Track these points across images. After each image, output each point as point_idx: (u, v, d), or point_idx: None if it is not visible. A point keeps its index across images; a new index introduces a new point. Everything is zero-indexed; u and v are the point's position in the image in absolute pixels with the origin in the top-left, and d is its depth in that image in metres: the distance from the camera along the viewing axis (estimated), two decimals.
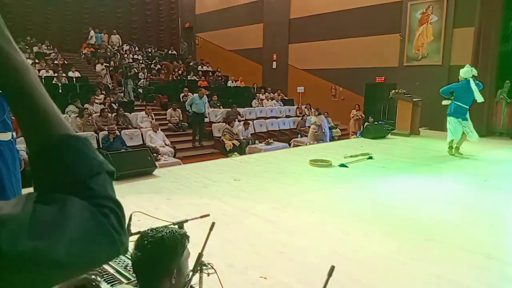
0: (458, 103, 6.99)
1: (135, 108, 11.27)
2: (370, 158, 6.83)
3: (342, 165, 6.22)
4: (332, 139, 11.36)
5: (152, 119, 10.06)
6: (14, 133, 2.82)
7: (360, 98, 13.50)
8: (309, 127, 12.24)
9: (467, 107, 7.00)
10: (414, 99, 9.72)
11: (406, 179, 5.58)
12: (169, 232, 1.33)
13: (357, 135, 10.21)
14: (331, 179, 5.59)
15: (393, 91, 10.12)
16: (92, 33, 17.28)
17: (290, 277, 2.75)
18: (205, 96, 10.95)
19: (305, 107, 13.80)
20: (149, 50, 18.83)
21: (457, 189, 5.16)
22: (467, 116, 7.03)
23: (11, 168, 2.61)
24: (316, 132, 10.24)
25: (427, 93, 10.08)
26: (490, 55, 9.59)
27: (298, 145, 9.60)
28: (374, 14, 12.86)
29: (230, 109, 11.95)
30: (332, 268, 1.46)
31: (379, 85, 12.95)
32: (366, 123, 11.10)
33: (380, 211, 4.18)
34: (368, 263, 2.98)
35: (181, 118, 11.29)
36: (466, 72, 6.97)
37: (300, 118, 12.66)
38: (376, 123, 10.67)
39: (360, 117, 12.72)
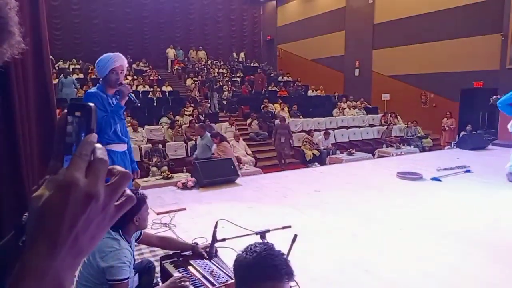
0: None
1: (219, 119, 11.82)
2: (468, 171, 6.16)
3: (435, 179, 5.71)
4: (422, 149, 10.55)
5: (235, 129, 10.43)
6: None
7: (455, 105, 12.35)
8: (395, 136, 11.57)
9: None
10: None
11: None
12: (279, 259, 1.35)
13: (452, 145, 9.32)
14: (423, 193, 5.16)
15: (494, 97, 9.05)
16: (168, 50, 18.76)
17: None
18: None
19: (391, 115, 13.07)
20: (233, 64, 19.70)
21: None
22: None
23: None
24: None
25: None
26: None
27: (383, 156, 9.09)
28: (469, 13, 11.75)
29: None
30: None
31: (477, 91, 11.71)
32: (463, 132, 10.10)
33: (482, 231, 3.72)
34: None
35: (262, 129, 11.53)
36: None
37: (386, 127, 12.02)
38: (474, 132, 9.65)
39: (451, 126, 11.64)
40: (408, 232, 3.76)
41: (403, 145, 10.49)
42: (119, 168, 0.45)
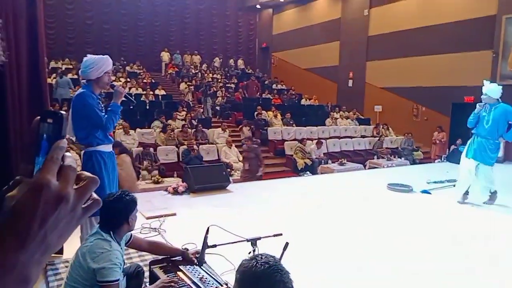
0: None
1: (212, 124, 11.79)
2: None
3: (425, 192, 5.77)
4: (413, 162, 10.65)
5: (228, 135, 10.41)
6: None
7: (446, 119, 12.52)
8: (387, 148, 11.67)
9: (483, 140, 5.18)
10: (509, 122, 8.73)
11: (500, 212, 4.97)
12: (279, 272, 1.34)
13: (442, 159, 9.42)
14: (412, 205, 5.20)
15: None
16: (162, 53, 18.63)
17: None
18: None
19: (383, 127, 13.18)
20: (227, 70, 19.74)
21: None
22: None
23: (110, 176, 3.10)
24: None
25: None
26: None
27: (374, 167, 9.16)
28: (462, 29, 11.97)
29: None
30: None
31: (468, 105, 11.86)
32: (453, 146, 10.22)
33: (469, 240, 3.75)
34: None
35: (254, 135, 11.53)
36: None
37: (377, 138, 12.12)
38: (464, 146, 9.77)
39: (442, 139, 11.78)
40: (397, 241, 3.77)
41: (394, 157, 10.58)
42: (87, 173, 0.48)
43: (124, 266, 2.27)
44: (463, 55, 11.98)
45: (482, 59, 11.38)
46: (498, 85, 8.62)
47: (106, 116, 3.03)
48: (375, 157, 10.45)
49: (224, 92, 15.46)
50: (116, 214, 2.06)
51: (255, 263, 1.33)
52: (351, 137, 12.46)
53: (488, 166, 5.11)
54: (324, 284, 2.89)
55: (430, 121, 12.89)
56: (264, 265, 1.32)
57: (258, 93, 15.88)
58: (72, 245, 2.66)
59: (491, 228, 4.24)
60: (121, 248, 2.12)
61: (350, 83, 16.52)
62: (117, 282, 1.93)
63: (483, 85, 5.30)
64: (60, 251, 3.13)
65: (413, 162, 10.63)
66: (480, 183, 5.16)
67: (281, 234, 2.45)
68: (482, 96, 5.23)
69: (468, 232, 4.16)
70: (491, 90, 5.15)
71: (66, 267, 2.82)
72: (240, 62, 20.84)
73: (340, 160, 9.48)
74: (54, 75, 12.47)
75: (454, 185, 6.21)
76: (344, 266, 3.22)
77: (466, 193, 5.27)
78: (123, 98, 3.18)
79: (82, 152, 3.20)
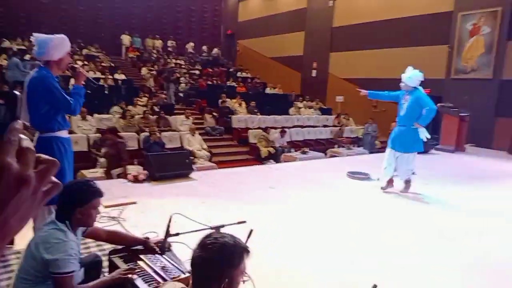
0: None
1: (175, 111, 11.53)
2: (413, 173, 6.52)
3: None
4: (371, 151, 11.03)
5: (192, 122, 10.24)
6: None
7: None
8: (347, 137, 12.00)
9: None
10: (460, 114, 9.27)
11: (450, 198, 5.28)
12: (233, 241, 1.34)
13: None
14: (370, 193, 5.40)
15: (439, 104, 9.69)
16: (123, 36, 17.96)
17: None
18: None
19: (344, 117, 13.52)
20: (191, 56, 19.33)
21: None
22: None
23: (70, 162, 3.00)
24: None
25: (476, 108, 9.59)
26: None
27: (335, 156, 9.40)
28: (421, 24, 12.46)
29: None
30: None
31: None
32: None
33: (425, 223, 3.97)
34: None
35: (218, 123, 11.44)
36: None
37: (338, 128, 12.42)
38: None
39: None
40: (355, 230, 3.91)
41: (354, 146, 10.91)
42: (45, 156, 0.47)
43: (82, 257, 2.18)
44: (421, 48, 12.49)
45: (438, 53, 11.91)
46: (452, 78, 8.96)
47: (72, 99, 2.91)
48: (336, 146, 10.71)
49: (188, 78, 15.14)
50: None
51: (220, 237, 1.34)
52: (313, 127, 12.69)
53: (409, 154, 5.20)
54: (308, 276, 2.94)
55: (389, 112, 13.38)
56: (228, 237, 1.34)
57: (223, 81, 15.74)
58: (24, 236, 2.52)
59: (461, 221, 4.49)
60: (78, 239, 2.02)
61: (314, 73, 16.75)
62: (71, 274, 1.84)
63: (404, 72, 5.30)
64: (11, 242, 2.94)
65: (372, 152, 11.01)
66: (401, 169, 5.29)
67: (245, 222, 2.45)
68: (400, 83, 5.27)
69: (451, 226, 4.38)
70: (409, 78, 5.15)
71: (17, 258, 2.67)
72: (215, 50, 20.48)
73: (302, 149, 9.63)
74: (4, 55, 11.63)
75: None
76: (326, 259, 3.29)
77: (391, 180, 5.40)
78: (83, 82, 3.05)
79: (36, 137, 2.95)
